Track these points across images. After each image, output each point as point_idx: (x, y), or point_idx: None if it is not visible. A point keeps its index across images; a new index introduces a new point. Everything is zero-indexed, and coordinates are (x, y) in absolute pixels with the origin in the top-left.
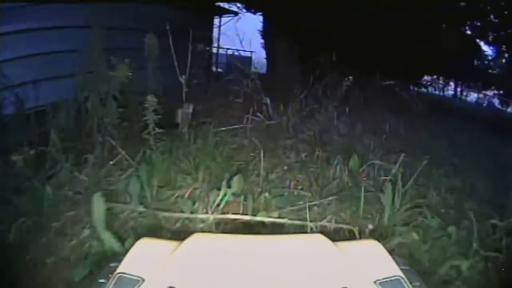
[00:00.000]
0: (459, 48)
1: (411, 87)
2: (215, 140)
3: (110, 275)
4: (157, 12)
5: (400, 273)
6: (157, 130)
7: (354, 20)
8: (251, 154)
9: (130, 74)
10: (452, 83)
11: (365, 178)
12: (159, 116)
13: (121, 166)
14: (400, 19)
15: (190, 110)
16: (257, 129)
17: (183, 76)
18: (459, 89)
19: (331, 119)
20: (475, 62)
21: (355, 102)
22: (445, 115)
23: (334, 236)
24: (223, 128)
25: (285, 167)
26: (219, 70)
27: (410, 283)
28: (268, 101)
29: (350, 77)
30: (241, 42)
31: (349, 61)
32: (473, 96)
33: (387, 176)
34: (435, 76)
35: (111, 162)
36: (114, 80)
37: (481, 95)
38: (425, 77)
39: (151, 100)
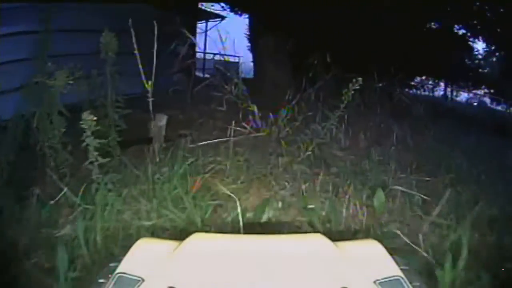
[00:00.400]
0: (462, 49)
1: (411, 90)
2: (187, 165)
3: (109, 275)
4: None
5: (400, 273)
6: (100, 160)
7: (349, 18)
8: (233, 186)
9: (71, 82)
10: (455, 85)
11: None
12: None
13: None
14: (396, 17)
15: (164, 122)
16: (242, 144)
17: (149, 82)
18: (465, 92)
19: (330, 129)
20: (479, 64)
21: (353, 107)
22: (452, 120)
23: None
24: (201, 143)
25: (279, 204)
26: (201, 75)
27: (410, 283)
28: (255, 108)
29: (360, 79)
30: (222, 43)
31: (345, 62)
32: (480, 99)
33: (415, 212)
34: (436, 78)
35: (52, 202)
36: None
37: (490, 98)
38: (426, 79)
39: (87, 119)
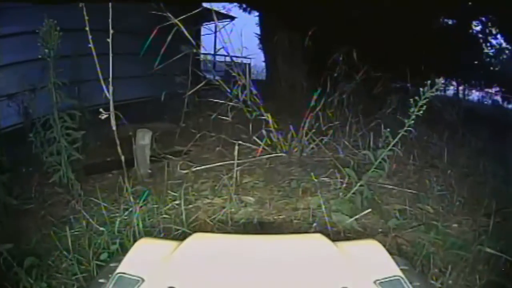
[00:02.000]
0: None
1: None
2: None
3: (109, 275)
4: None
5: (400, 273)
6: None
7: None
8: None
9: None
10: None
11: None
12: None
13: None
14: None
15: (147, 141)
16: (253, 169)
17: (110, 90)
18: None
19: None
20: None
21: (386, 114)
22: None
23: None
24: (196, 168)
25: None
26: (208, 76)
27: (410, 283)
28: (270, 118)
29: (440, 79)
30: (222, 38)
31: (370, 61)
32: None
33: None
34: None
35: None
36: None
37: None
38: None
39: None
